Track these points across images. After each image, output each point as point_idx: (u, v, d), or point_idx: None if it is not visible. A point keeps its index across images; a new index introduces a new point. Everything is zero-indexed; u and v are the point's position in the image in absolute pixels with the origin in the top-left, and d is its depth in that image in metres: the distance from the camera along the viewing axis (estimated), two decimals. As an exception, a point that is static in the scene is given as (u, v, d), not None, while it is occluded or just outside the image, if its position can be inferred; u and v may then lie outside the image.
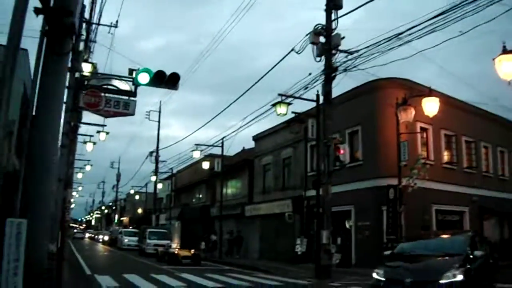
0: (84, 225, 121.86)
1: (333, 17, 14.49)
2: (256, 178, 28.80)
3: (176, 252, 22.47)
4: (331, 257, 15.13)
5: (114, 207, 70.37)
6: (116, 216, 69.21)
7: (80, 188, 60.70)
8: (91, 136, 23.37)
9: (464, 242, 8.61)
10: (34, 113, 5.01)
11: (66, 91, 13.36)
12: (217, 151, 28.07)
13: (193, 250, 22.62)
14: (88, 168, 33.54)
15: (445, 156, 20.15)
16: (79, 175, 35.49)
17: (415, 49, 12.41)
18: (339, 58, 14.48)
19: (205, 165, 29.74)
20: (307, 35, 14.46)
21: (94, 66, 14.39)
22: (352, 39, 14.43)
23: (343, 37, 14.32)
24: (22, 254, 4.42)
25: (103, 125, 21.83)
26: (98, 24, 15.14)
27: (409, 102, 14.88)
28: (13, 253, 4.39)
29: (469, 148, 21.38)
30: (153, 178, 39.42)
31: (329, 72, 14.63)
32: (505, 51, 8.41)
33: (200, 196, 39.44)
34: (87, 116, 15.58)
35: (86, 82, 13.57)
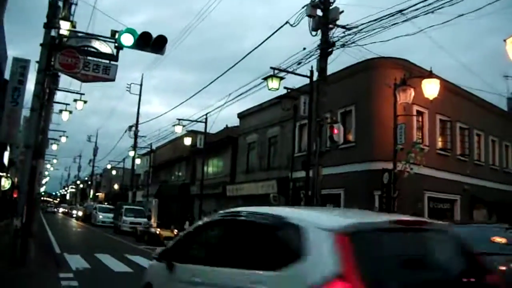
0: (58, 199, 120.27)
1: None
2: (239, 157, 27.77)
3: (158, 232, 21.52)
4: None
5: (89, 182, 68.96)
6: (92, 192, 67.84)
7: (55, 161, 58.82)
8: (67, 104, 22.06)
9: None
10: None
11: (39, 48, 12.17)
12: (200, 127, 27.06)
13: (176, 230, 21.56)
14: (63, 139, 31.89)
15: (440, 142, 19.41)
16: (54, 147, 33.80)
17: (418, 27, 11.60)
18: (336, 33, 13.59)
19: (187, 141, 28.53)
20: (303, 7, 13.51)
21: (73, 24, 13.02)
22: (354, 13, 13.49)
23: (342, 11, 13.37)
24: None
25: (81, 94, 20.56)
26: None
27: (408, 83, 14.15)
28: None
29: (462, 135, 20.65)
30: (131, 153, 38.11)
31: (325, 47, 13.72)
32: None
33: (180, 173, 38.33)
34: (65, 84, 14.32)
35: (63, 41, 12.33)
